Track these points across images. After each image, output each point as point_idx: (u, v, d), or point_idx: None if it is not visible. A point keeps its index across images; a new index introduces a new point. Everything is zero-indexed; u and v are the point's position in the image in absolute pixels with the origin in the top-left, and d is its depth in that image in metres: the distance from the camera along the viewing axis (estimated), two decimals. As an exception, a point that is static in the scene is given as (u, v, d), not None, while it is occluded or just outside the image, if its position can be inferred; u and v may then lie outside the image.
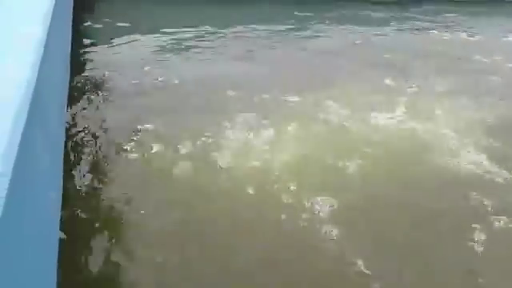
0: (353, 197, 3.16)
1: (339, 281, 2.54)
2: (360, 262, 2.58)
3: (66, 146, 3.24)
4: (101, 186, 3.11)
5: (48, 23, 2.66)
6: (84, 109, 4.07)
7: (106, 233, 2.70)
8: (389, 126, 4.09)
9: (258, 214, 2.97)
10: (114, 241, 2.66)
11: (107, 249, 2.59)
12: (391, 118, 4.22)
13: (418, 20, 7.17)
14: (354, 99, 4.48)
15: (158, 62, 5.21)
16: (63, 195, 2.58)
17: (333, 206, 3.01)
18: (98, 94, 4.33)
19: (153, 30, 6.04)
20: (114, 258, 2.55)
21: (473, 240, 2.82)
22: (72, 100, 4.03)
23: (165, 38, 5.87)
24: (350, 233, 2.82)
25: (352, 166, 3.45)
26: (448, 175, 3.47)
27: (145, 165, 3.38)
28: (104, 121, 3.88)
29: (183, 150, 3.54)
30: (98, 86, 4.49)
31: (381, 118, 4.17)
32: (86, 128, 3.74)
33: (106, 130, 3.76)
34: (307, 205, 3.01)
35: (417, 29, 6.88)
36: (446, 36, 6.59)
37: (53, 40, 2.69)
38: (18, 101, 1.81)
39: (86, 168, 3.26)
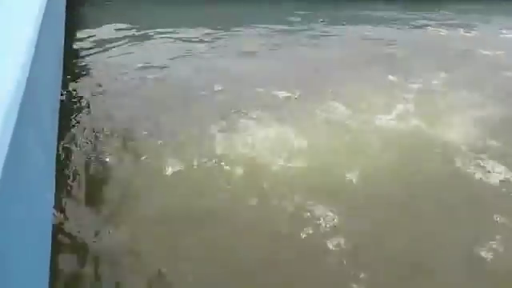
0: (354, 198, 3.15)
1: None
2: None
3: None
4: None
5: (40, 22, 2.65)
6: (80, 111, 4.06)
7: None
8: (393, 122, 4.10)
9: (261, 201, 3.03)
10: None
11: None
12: (395, 114, 4.22)
13: (415, 16, 7.20)
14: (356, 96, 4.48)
15: (156, 61, 5.19)
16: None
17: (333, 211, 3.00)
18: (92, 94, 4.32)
19: (149, 30, 6.03)
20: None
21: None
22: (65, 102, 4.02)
23: (157, 37, 5.86)
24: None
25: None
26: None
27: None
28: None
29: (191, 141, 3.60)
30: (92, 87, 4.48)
31: (383, 115, 4.18)
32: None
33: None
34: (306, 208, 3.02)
35: (415, 26, 6.91)
36: (443, 32, 6.62)
37: (44, 40, 2.68)
38: (8, 101, 1.80)
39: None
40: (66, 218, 2.71)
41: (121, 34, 5.84)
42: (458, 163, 3.54)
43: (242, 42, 5.90)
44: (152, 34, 5.96)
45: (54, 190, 2.55)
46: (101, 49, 5.42)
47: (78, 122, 3.80)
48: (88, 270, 2.43)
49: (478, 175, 3.41)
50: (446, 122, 4.17)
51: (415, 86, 4.81)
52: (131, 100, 4.27)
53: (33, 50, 2.29)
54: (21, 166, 1.78)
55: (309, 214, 2.93)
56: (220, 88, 4.53)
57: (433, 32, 6.70)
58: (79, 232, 2.65)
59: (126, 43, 5.63)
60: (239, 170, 3.32)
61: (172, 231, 2.76)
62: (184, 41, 5.81)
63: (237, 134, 3.75)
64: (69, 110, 3.96)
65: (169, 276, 2.46)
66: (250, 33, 6.22)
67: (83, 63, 5.06)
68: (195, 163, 3.37)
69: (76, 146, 3.46)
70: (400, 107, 4.34)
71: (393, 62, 5.41)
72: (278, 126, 3.91)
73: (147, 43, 5.70)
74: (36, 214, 2.06)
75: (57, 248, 2.39)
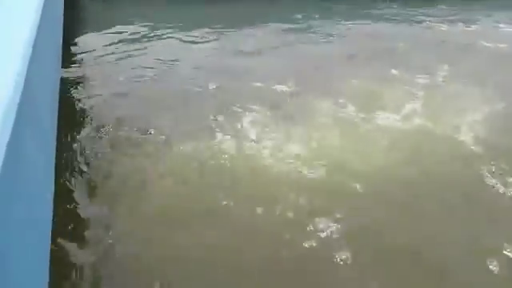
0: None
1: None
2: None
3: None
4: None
5: (38, 21, 2.63)
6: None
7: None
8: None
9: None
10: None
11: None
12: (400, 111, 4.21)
13: (414, 12, 7.17)
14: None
15: (154, 61, 5.18)
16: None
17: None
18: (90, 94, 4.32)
19: (149, 30, 6.01)
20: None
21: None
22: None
23: (157, 36, 5.85)
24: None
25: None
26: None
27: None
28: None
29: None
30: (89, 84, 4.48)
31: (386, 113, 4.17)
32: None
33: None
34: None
35: (414, 21, 6.88)
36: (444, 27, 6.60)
37: (42, 39, 2.66)
38: (7, 101, 1.79)
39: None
40: (65, 217, 2.71)
41: (120, 34, 5.82)
42: (465, 161, 3.53)
43: (241, 41, 5.88)
44: (152, 33, 5.94)
45: (53, 190, 2.54)
46: (99, 48, 5.40)
47: (78, 122, 3.80)
48: (87, 270, 2.42)
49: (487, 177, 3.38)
50: (452, 118, 4.13)
51: (422, 80, 4.76)
52: (130, 99, 4.27)
53: (30, 49, 2.27)
54: (19, 166, 1.77)
55: (310, 209, 2.93)
56: (218, 85, 4.52)
57: (434, 27, 6.67)
58: (78, 231, 2.65)
59: (126, 43, 5.61)
60: (240, 169, 3.31)
61: (172, 230, 2.75)
62: (184, 41, 5.79)
63: (237, 132, 3.74)
64: (69, 109, 3.96)
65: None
66: (249, 32, 6.20)
67: (82, 63, 5.05)
68: (195, 162, 3.37)
69: (76, 146, 3.46)
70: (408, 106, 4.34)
71: (397, 55, 5.37)
72: (279, 124, 3.90)
73: (147, 43, 5.68)
74: (35, 214, 2.05)
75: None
